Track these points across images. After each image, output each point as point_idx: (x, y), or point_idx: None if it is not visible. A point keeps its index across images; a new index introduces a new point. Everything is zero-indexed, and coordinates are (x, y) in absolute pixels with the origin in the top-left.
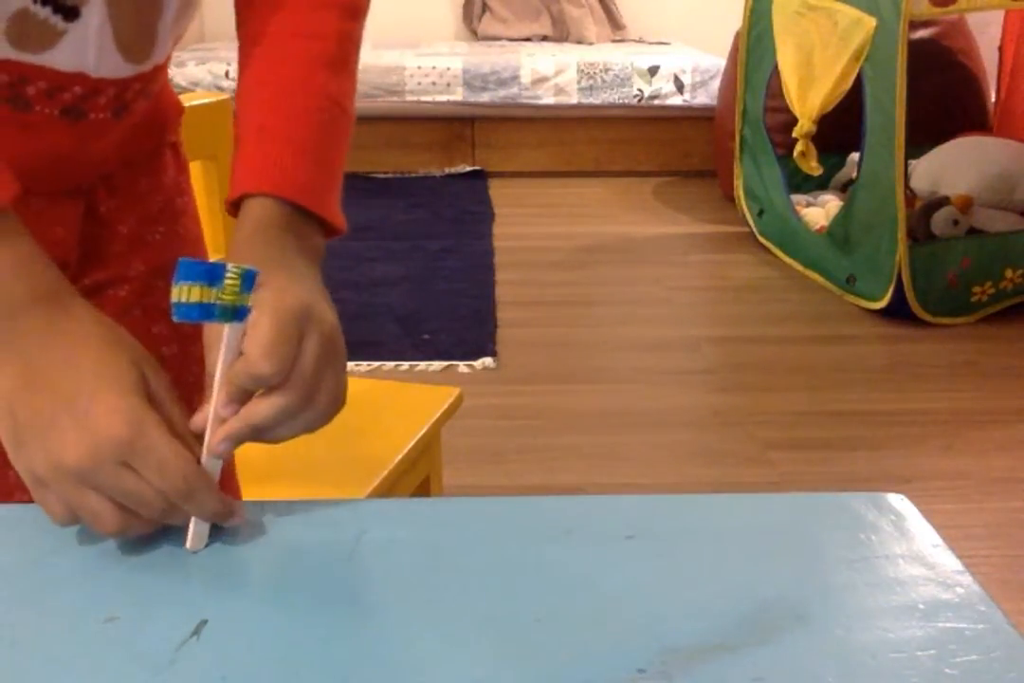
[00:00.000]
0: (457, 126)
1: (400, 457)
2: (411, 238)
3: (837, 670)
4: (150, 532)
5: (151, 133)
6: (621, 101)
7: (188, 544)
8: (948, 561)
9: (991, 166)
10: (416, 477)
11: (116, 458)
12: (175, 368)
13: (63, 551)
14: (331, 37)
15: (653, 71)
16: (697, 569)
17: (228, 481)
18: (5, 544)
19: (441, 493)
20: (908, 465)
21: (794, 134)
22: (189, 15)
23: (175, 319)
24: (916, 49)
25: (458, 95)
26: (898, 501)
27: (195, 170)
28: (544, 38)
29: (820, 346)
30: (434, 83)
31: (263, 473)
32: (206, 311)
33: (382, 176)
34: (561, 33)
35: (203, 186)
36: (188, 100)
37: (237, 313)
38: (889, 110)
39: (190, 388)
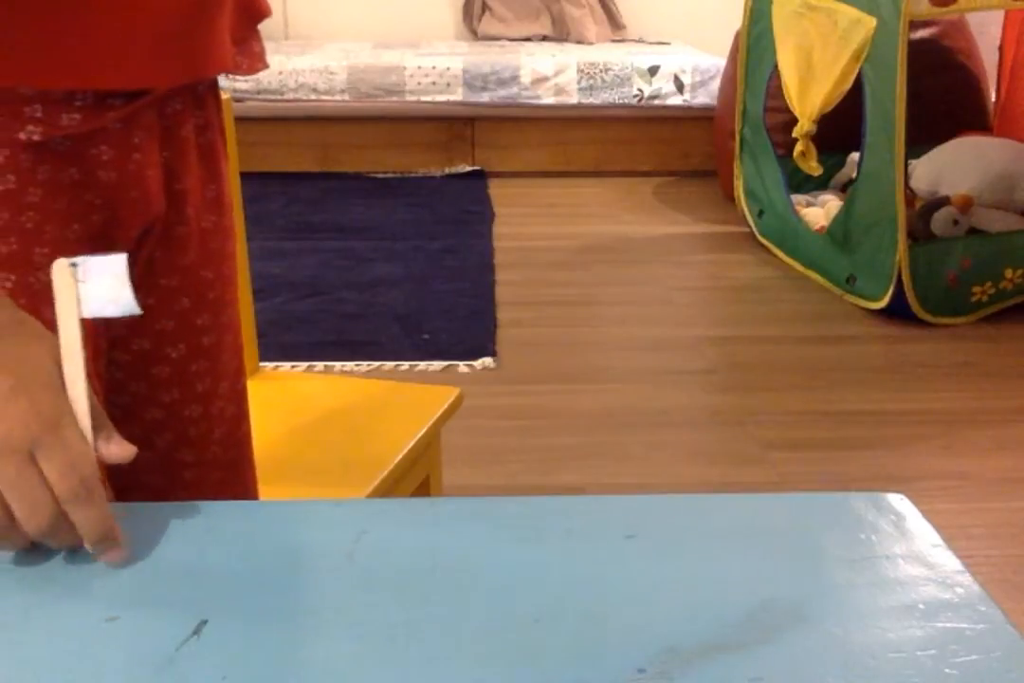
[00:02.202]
0: (457, 126)
1: (400, 457)
2: (411, 238)
3: (837, 670)
4: (16, 549)
5: (248, 17)
6: (621, 101)
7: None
8: (948, 561)
9: (991, 166)
10: (416, 477)
11: (26, 448)
12: (213, 358)
13: (64, 552)
14: None
15: (653, 71)
16: (697, 569)
17: (246, 473)
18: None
19: (441, 493)
20: (908, 465)
21: (794, 134)
22: None
23: None
24: (916, 49)
25: (458, 95)
26: (898, 501)
27: None
28: (544, 38)
29: (820, 346)
30: (434, 83)
31: (263, 473)
32: None
33: (382, 176)
34: (561, 33)
35: None
36: None
37: None
38: (889, 110)
39: (218, 376)
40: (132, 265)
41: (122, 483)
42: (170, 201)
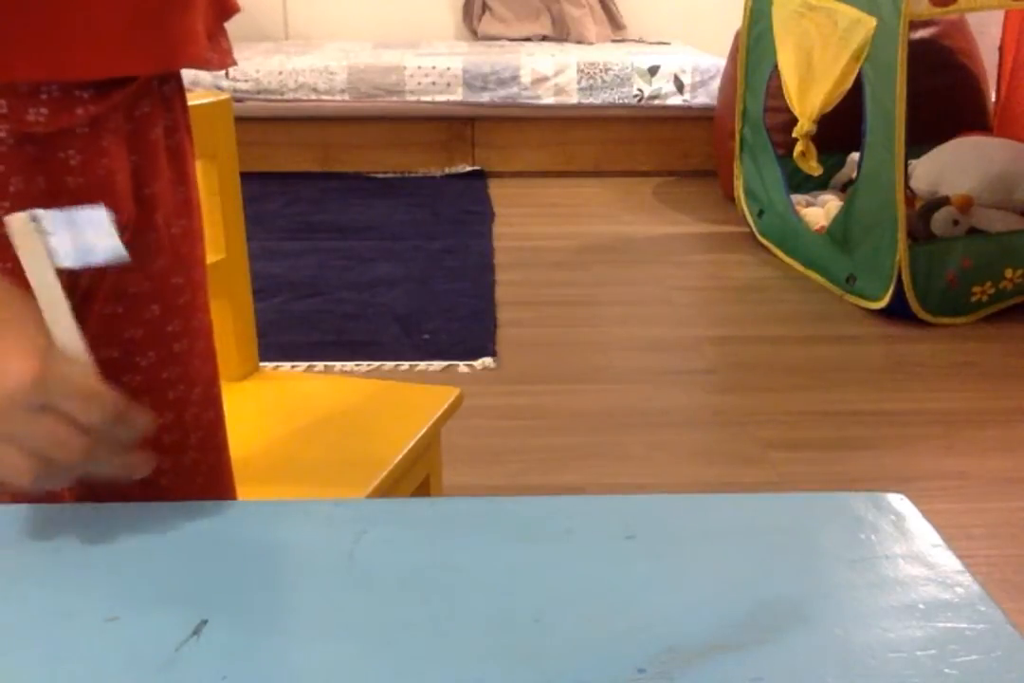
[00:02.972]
0: (457, 126)
1: (400, 457)
2: (411, 238)
3: (837, 670)
4: (69, 482)
5: (219, 12)
6: (621, 101)
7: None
8: (948, 561)
9: (991, 166)
10: (416, 477)
11: (32, 400)
12: (184, 364)
13: (63, 551)
14: None
15: (653, 71)
16: (697, 569)
17: (224, 479)
18: (5, 544)
19: (441, 493)
20: (908, 465)
21: (794, 134)
22: None
23: None
24: (916, 49)
25: (458, 95)
26: (898, 501)
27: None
28: (544, 38)
29: (820, 346)
30: (434, 83)
31: (263, 473)
32: None
33: (382, 176)
34: (561, 33)
35: (204, 185)
36: (188, 100)
37: None
38: (889, 110)
39: (191, 383)
40: (102, 274)
41: (100, 495)
42: (138, 207)
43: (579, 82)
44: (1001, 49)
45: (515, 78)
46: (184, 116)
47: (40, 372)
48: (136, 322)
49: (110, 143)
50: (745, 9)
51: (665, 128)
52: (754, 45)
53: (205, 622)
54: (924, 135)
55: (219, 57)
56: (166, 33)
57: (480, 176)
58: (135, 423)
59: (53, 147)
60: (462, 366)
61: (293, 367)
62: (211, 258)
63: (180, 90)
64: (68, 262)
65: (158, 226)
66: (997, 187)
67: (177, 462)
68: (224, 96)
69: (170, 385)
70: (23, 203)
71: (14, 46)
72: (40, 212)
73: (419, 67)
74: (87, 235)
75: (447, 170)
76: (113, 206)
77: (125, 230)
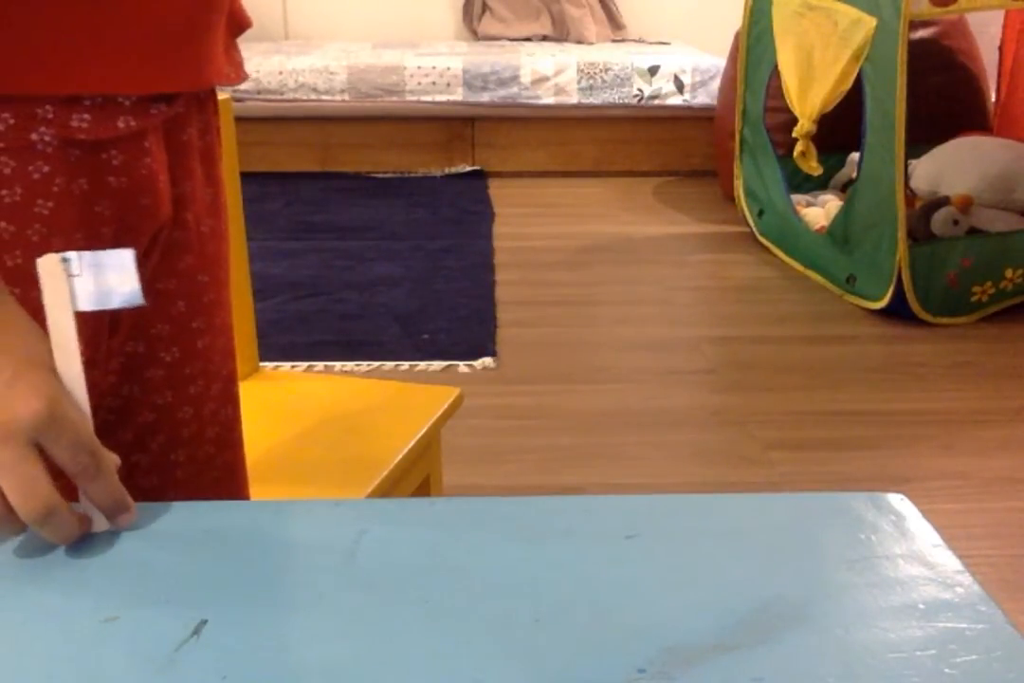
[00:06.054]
0: (457, 126)
1: (400, 457)
2: (411, 238)
3: (837, 670)
4: (13, 534)
5: (233, 27)
6: (621, 101)
7: (94, 527)
8: (948, 561)
9: (991, 166)
10: (416, 477)
11: (30, 434)
12: (206, 360)
13: (63, 551)
14: None
15: (653, 71)
16: (697, 569)
17: (239, 476)
18: (4, 544)
19: (441, 493)
20: (908, 465)
21: (794, 134)
22: None
23: None
24: (916, 49)
25: (458, 95)
26: (898, 501)
27: None
28: (544, 38)
29: (820, 346)
30: (434, 83)
31: (263, 473)
32: None
33: (382, 176)
34: (561, 33)
35: None
36: None
37: None
38: (889, 110)
39: (211, 379)
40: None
41: None
42: (171, 205)
43: (579, 82)
44: (1001, 49)
45: (515, 78)
46: (215, 118)
47: (46, 416)
48: (163, 318)
49: (151, 143)
50: (745, 9)
51: (665, 128)
52: (754, 45)
53: (205, 622)
54: (924, 135)
55: (235, 71)
56: (198, 51)
57: (480, 176)
58: (111, 484)
59: (96, 149)
60: (462, 366)
61: (293, 367)
62: None
63: (213, 93)
64: (87, 306)
65: (188, 225)
66: (997, 187)
67: (192, 455)
68: (224, 96)
69: (191, 380)
70: (66, 202)
71: (54, 60)
72: (70, 255)
73: (419, 67)
74: (109, 279)
75: (447, 170)
76: (155, 206)
77: (163, 229)
